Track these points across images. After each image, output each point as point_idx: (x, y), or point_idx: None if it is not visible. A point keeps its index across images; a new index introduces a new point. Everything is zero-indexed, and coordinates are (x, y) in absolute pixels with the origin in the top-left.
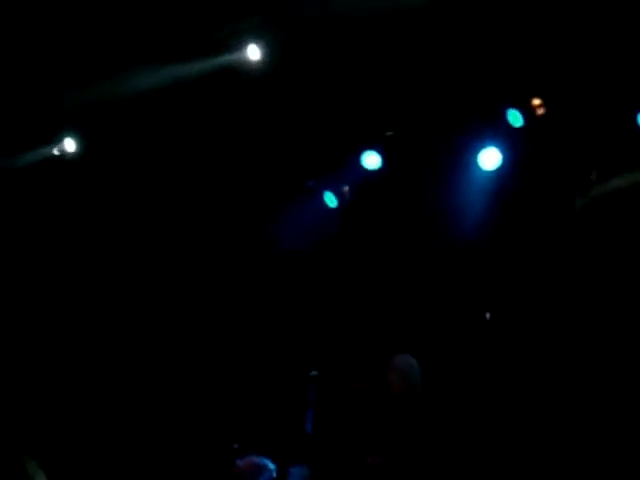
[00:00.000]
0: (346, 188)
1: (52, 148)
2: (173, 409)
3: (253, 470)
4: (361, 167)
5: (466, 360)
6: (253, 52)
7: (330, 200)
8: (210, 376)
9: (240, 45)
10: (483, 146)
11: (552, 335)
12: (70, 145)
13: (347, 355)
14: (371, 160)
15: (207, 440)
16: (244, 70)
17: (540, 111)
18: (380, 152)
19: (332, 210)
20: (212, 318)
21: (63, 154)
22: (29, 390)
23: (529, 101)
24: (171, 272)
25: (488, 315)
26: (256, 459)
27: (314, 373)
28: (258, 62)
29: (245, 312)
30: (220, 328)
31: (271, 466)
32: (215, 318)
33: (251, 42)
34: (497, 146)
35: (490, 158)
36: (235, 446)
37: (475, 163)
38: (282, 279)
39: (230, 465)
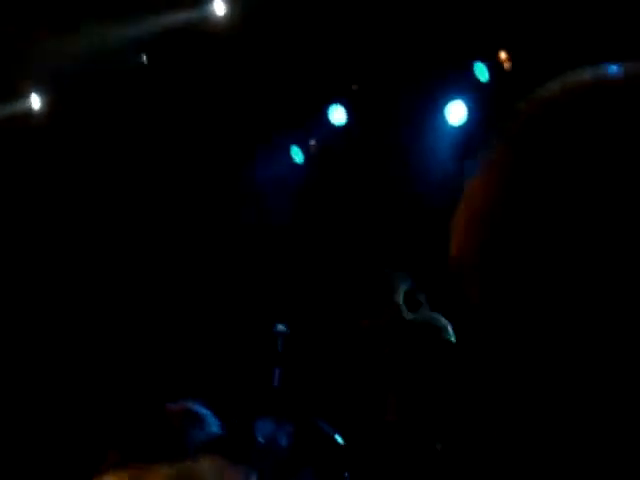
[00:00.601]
0: (313, 142)
1: (17, 104)
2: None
3: (185, 419)
4: (328, 121)
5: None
6: (218, 7)
7: (297, 155)
8: (178, 330)
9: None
10: (449, 100)
11: None
12: (35, 101)
13: (316, 311)
14: (337, 114)
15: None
16: (209, 25)
17: (507, 65)
18: (346, 106)
19: (299, 165)
20: (183, 272)
21: (28, 110)
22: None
23: (496, 55)
24: (142, 231)
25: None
26: (192, 406)
27: (282, 328)
28: (223, 17)
29: (214, 266)
30: (190, 281)
31: (211, 420)
32: (187, 272)
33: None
34: (463, 100)
35: (456, 112)
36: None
37: (442, 117)
38: (250, 234)
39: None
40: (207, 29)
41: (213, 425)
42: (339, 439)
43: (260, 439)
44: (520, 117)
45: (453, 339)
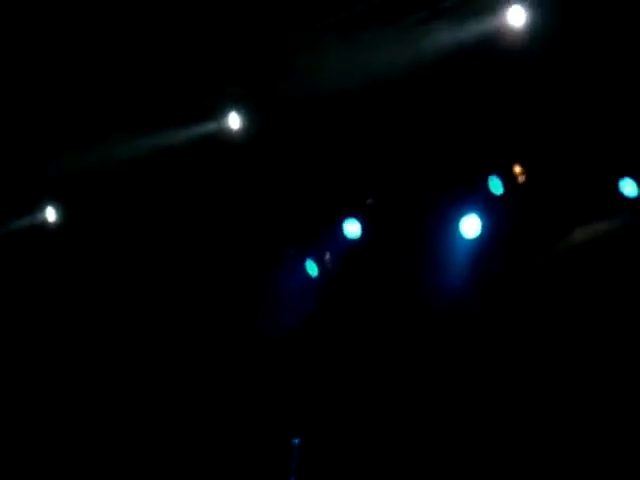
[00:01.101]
0: (328, 256)
1: (34, 217)
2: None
3: None
4: (342, 235)
5: None
6: (234, 120)
7: (311, 268)
8: (198, 445)
9: (221, 114)
10: (464, 213)
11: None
12: (51, 214)
13: (330, 424)
14: (352, 228)
15: None
16: (225, 138)
17: (521, 179)
18: (361, 220)
19: (313, 279)
20: (201, 384)
21: (44, 223)
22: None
23: (510, 169)
24: (161, 343)
25: None
26: None
27: (297, 441)
28: (239, 130)
29: (233, 380)
30: (207, 396)
31: None
32: (204, 385)
33: (232, 111)
34: (478, 213)
35: (471, 226)
36: None
37: (456, 231)
38: (268, 350)
39: None
40: (223, 142)
41: None
42: None
43: None
44: None
45: None
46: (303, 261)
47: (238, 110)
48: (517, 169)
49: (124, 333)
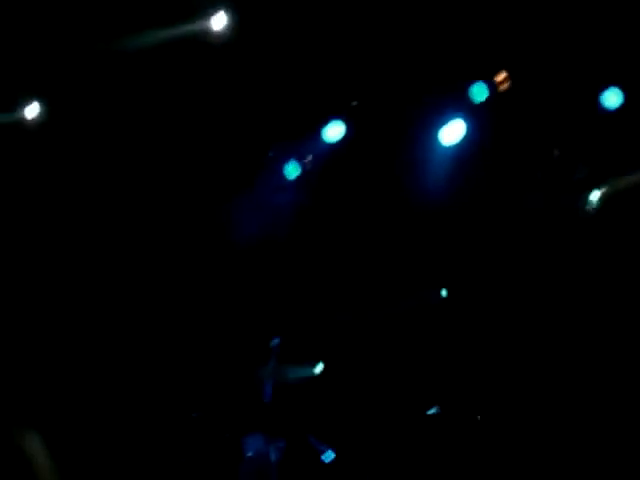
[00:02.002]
0: (309, 158)
1: (14, 114)
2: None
3: None
4: (323, 138)
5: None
6: (218, 21)
7: (292, 170)
8: (171, 347)
9: (205, 14)
10: (447, 119)
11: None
12: (33, 111)
13: (313, 326)
14: (334, 130)
15: (166, 409)
16: (209, 38)
17: (504, 86)
18: (343, 123)
19: (292, 181)
20: (178, 286)
21: (25, 120)
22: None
23: (493, 76)
24: (130, 247)
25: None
26: None
27: (275, 342)
28: (223, 31)
29: (211, 280)
30: (184, 295)
31: None
32: (181, 285)
33: (216, 11)
34: (460, 119)
35: (453, 131)
36: (194, 415)
37: (438, 135)
38: (247, 253)
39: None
40: (206, 42)
41: None
42: (330, 455)
43: (249, 453)
44: None
45: None
46: (283, 163)
47: (222, 9)
48: (500, 76)
49: (103, 232)
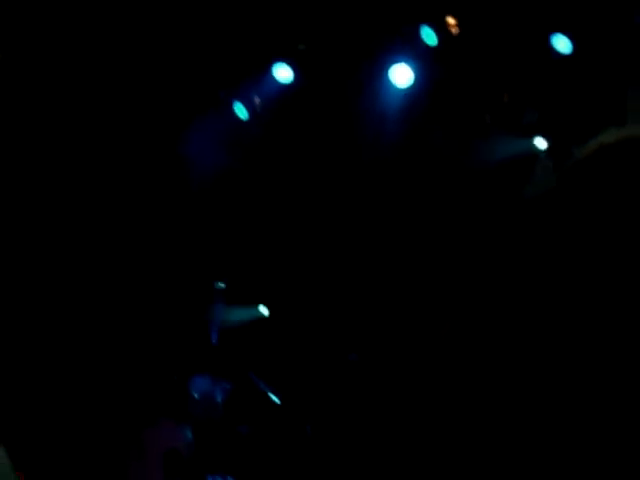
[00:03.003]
0: (257, 99)
1: None
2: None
3: None
4: (273, 79)
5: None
6: None
7: (240, 111)
8: (119, 287)
9: None
10: (396, 62)
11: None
12: None
13: (257, 270)
14: (283, 73)
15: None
16: None
17: (454, 30)
18: (292, 65)
19: (243, 121)
20: (123, 231)
21: None
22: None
23: (443, 19)
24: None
25: None
26: None
27: (221, 285)
28: None
29: (154, 224)
30: (130, 239)
31: None
32: (127, 230)
33: None
34: (410, 63)
35: (402, 75)
36: (141, 356)
37: (388, 79)
38: (196, 195)
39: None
40: None
41: None
42: (275, 397)
43: (196, 395)
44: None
45: None
46: (232, 104)
47: None
48: (450, 20)
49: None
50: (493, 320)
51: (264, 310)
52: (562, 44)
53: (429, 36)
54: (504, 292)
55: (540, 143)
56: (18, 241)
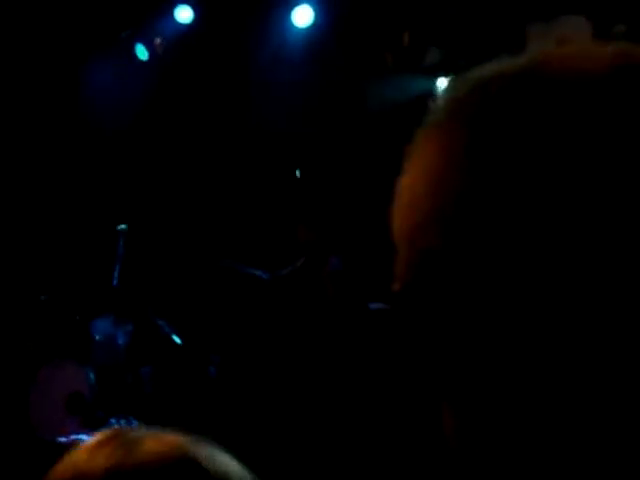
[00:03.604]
0: (158, 40)
1: None
2: None
3: None
4: (174, 20)
5: None
6: None
7: (141, 52)
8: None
9: None
10: (297, 3)
11: None
12: None
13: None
14: (184, 13)
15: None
16: None
17: None
18: (192, 5)
19: (143, 63)
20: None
21: None
22: None
23: None
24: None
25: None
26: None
27: (123, 227)
28: None
29: (56, 165)
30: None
31: None
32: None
33: None
34: (310, 3)
35: (303, 15)
36: (42, 297)
37: (288, 19)
38: (98, 138)
39: None
40: None
41: None
42: (177, 338)
43: (98, 337)
44: (472, 97)
45: None
46: (133, 45)
47: None
48: None
49: None
50: None
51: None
52: None
53: None
54: None
55: (443, 84)
56: None
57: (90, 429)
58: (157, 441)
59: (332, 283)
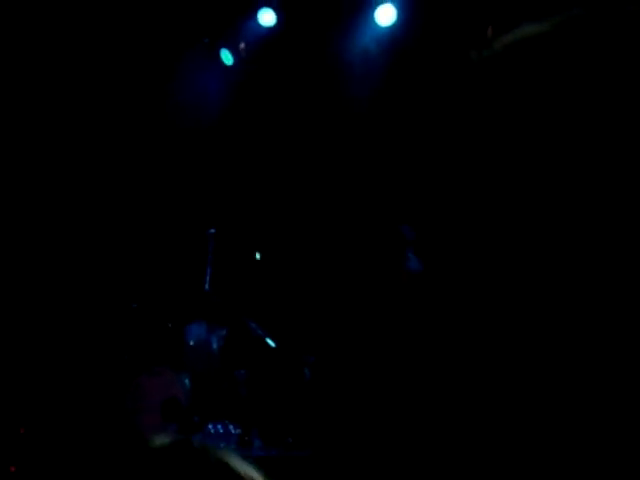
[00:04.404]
0: (242, 45)
1: None
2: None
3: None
4: (257, 24)
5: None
6: None
7: (226, 57)
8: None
9: None
10: (379, 2)
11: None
12: None
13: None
14: (267, 17)
15: (105, 300)
16: None
17: None
18: (275, 8)
19: (228, 67)
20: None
21: None
22: None
23: None
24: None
25: None
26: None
27: (212, 231)
28: None
29: (148, 169)
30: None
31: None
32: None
33: None
34: (392, 2)
35: (386, 14)
36: (134, 306)
37: (372, 18)
38: (185, 140)
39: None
40: None
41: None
42: (270, 341)
43: (192, 342)
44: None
45: None
46: (218, 50)
47: None
48: None
49: None
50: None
51: (257, 255)
52: None
53: None
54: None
55: None
56: None
57: (186, 434)
58: None
59: (409, 280)
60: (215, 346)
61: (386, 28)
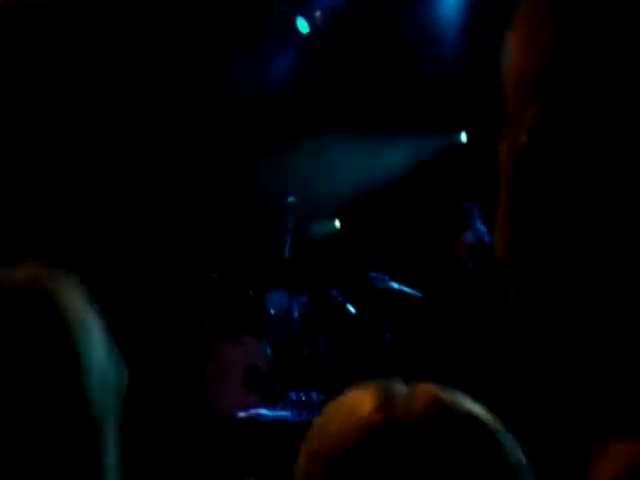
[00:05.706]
0: (318, 13)
1: None
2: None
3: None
4: None
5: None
6: None
7: (302, 25)
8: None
9: None
10: None
11: None
12: None
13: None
14: None
15: (187, 270)
16: None
17: None
18: None
19: (304, 35)
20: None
21: None
22: None
23: None
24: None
25: None
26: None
27: (292, 200)
28: None
29: (227, 142)
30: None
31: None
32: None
33: None
34: None
35: None
36: (215, 275)
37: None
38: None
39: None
40: None
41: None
42: (351, 307)
43: (273, 310)
44: None
45: None
46: (294, 20)
47: None
48: None
49: None
50: None
51: (337, 223)
52: None
53: None
54: None
55: None
56: None
57: (269, 402)
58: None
59: (472, 256)
60: (296, 314)
61: (455, 2)
